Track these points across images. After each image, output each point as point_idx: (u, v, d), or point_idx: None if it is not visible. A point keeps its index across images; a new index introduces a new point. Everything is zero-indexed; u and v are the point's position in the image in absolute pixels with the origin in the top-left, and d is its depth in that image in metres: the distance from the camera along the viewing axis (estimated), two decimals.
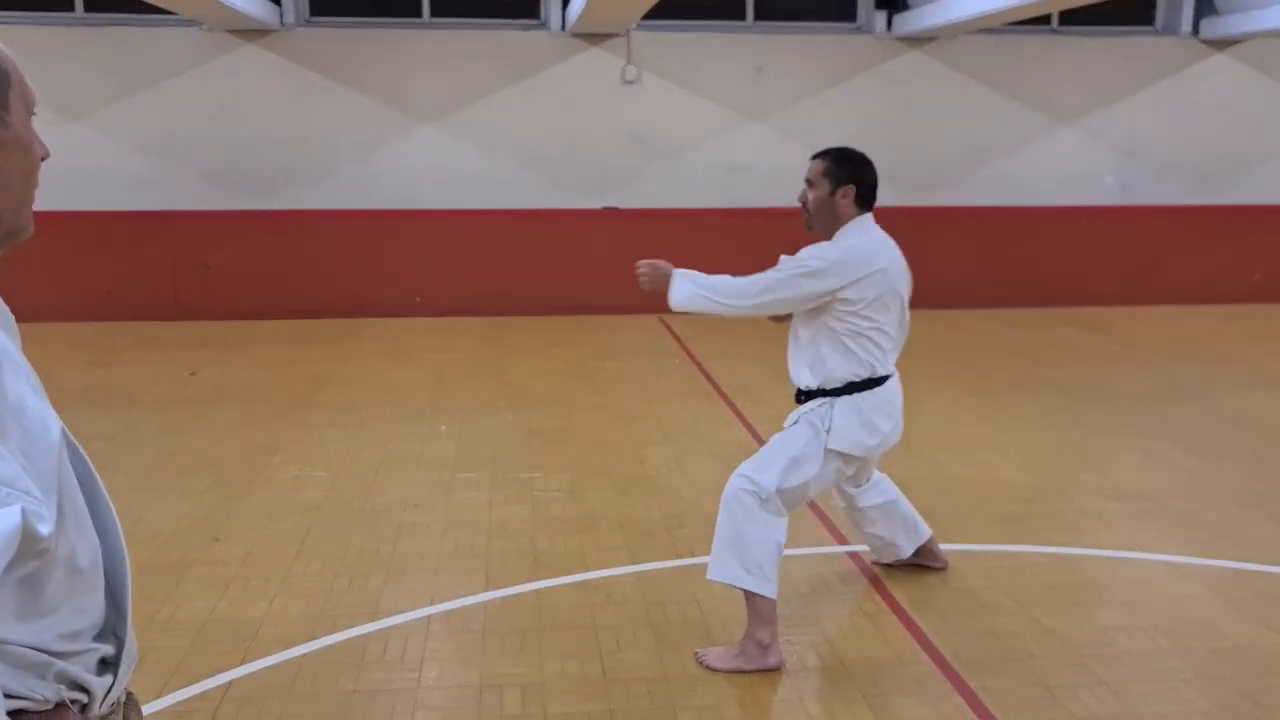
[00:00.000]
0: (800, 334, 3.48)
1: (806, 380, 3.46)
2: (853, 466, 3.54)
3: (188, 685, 3.19)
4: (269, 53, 9.81)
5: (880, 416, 3.47)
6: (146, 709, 3.05)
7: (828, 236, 3.43)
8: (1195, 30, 10.85)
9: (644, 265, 3.44)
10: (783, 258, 3.40)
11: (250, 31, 9.69)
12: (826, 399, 3.42)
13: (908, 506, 3.92)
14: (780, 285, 3.34)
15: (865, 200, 3.42)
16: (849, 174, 3.38)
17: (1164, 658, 3.39)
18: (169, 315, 9.77)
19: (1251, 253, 10.95)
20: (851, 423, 3.40)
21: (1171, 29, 10.94)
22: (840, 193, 3.37)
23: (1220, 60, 10.95)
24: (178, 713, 3.05)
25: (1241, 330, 9.44)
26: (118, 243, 9.73)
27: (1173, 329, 9.49)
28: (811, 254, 3.35)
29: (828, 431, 3.38)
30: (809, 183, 3.42)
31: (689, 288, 3.38)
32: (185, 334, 9.10)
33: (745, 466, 3.38)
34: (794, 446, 3.39)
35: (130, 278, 9.76)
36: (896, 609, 3.74)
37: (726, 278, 3.41)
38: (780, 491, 3.31)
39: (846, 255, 3.33)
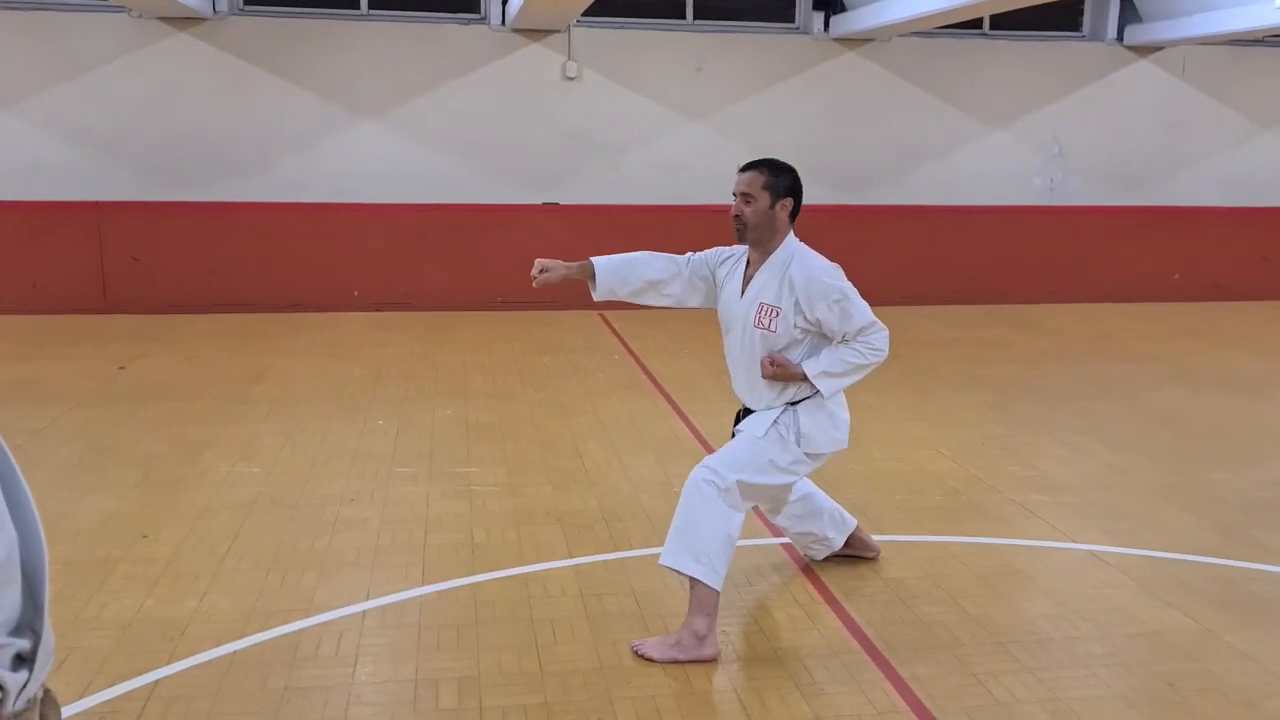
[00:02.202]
0: (756, 358, 3.45)
1: (772, 399, 3.46)
2: (820, 463, 3.57)
3: (112, 685, 3.13)
4: (201, 42, 9.62)
5: (839, 406, 3.53)
6: (69, 710, 2.99)
7: (763, 250, 3.46)
8: (1120, 37, 11.17)
9: (773, 367, 3.38)
10: (821, 301, 3.33)
11: (181, 19, 9.50)
12: (792, 408, 3.45)
13: (827, 498, 3.98)
14: (869, 311, 3.39)
15: (795, 213, 3.46)
16: (787, 186, 3.41)
17: (1085, 644, 3.49)
18: (97, 309, 9.53)
19: (1172, 253, 11.30)
20: (822, 424, 3.46)
21: (1097, 35, 11.25)
22: (779, 205, 3.40)
23: (1143, 66, 11.28)
24: (101, 713, 2.99)
25: (1162, 328, 9.74)
26: (43, 234, 9.46)
27: (1097, 326, 9.75)
28: (839, 281, 3.36)
29: (799, 436, 3.42)
30: (745, 196, 3.39)
31: (834, 383, 3.40)
32: (114, 328, 8.89)
33: (711, 458, 3.42)
34: (764, 450, 3.42)
35: (57, 270, 9.50)
36: (829, 599, 3.80)
37: (857, 356, 3.38)
38: (741, 484, 3.35)
39: (838, 269, 3.42)
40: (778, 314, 3.38)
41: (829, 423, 3.48)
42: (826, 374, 3.39)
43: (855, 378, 3.44)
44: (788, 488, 3.56)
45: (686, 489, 3.37)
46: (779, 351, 3.42)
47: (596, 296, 3.63)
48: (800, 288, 3.35)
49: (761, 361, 3.42)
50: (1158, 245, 11.26)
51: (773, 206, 3.39)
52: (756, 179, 3.39)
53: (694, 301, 3.67)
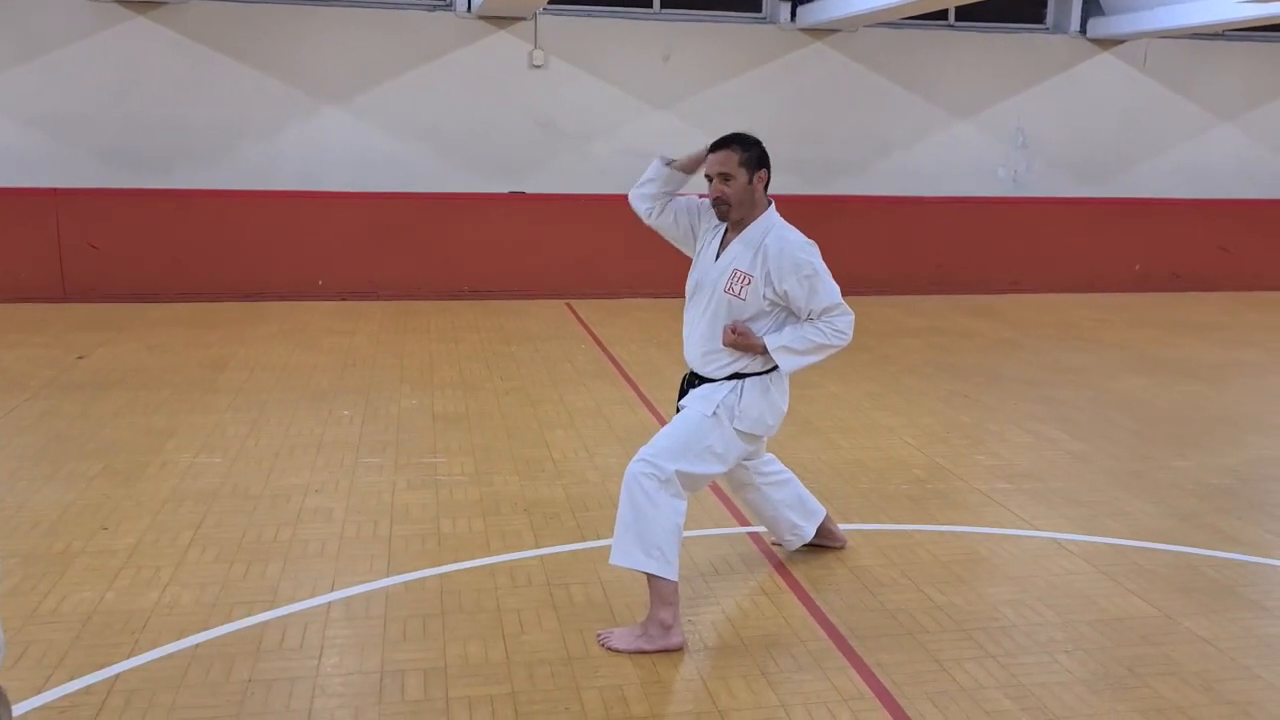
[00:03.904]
0: (719, 324, 3.46)
1: (720, 367, 3.48)
2: (753, 445, 3.60)
3: (72, 679, 3.09)
4: (162, 26, 9.46)
5: (781, 396, 3.55)
6: (27, 704, 2.94)
7: (740, 226, 3.46)
8: (1083, 29, 11.27)
9: (734, 335, 3.40)
10: (792, 274, 3.34)
11: (142, 3, 9.33)
12: (739, 381, 3.47)
13: (800, 485, 4.00)
14: (838, 293, 3.40)
15: (768, 184, 3.47)
16: (759, 158, 3.42)
17: (1047, 630, 3.54)
18: (55, 297, 9.37)
19: (1133, 244, 11.45)
20: (759, 404, 3.46)
21: (1061, 28, 11.35)
22: (756, 178, 3.41)
23: (1106, 59, 11.40)
24: (60, 708, 2.95)
25: (1123, 318, 9.87)
26: (0, 221, 9.29)
27: (1060, 316, 9.87)
28: (812, 257, 3.37)
29: (736, 411, 3.43)
30: (724, 176, 3.38)
31: (794, 360, 3.41)
32: (72, 316, 8.74)
33: (645, 450, 3.40)
34: (697, 431, 3.42)
35: (13, 258, 9.32)
36: (795, 587, 3.82)
37: (820, 335, 3.39)
38: (680, 474, 3.35)
39: (814, 246, 3.44)
40: (750, 282, 3.38)
41: (767, 407, 3.49)
42: (787, 349, 3.39)
43: (815, 358, 3.44)
44: (727, 466, 3.55)
45: (627, 483, 3.34)
46: (744, 321, 3.43)
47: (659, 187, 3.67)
48: (773, 259, 3.36)
49: (724, 329, 3.42)
50: (1119, 236, 11.40)
51: (751, 181, 3.40)
52: (732, 157, 3.39)
53: (667, 227, 3.69)
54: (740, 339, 3.40)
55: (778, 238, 3.40)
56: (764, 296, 3.39)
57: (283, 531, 4.25)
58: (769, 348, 3.40)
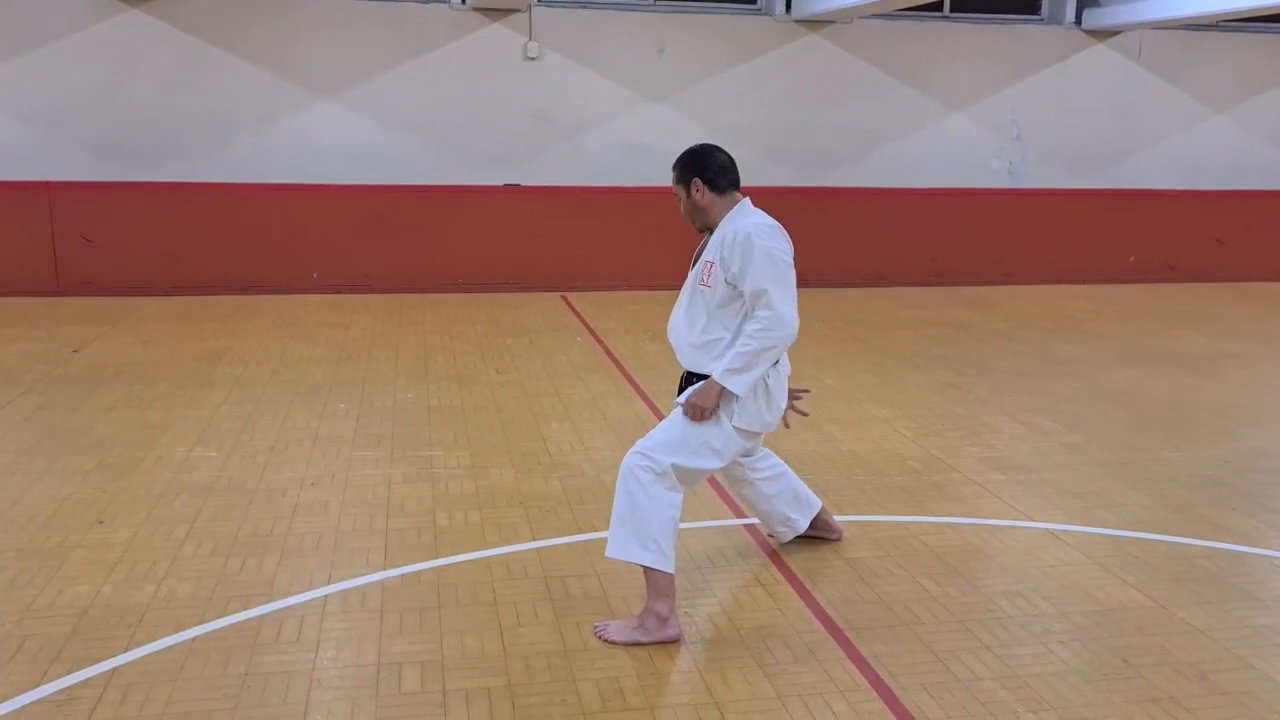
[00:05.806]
0: (715, 320, 3.45)
1: (713, 359, 3.46)
2: (751, 441, 3.61)
3: (69, 673, 3.09)
4: (156, 19, 9.42)
5: (780, 393, 3.55)
6: (24, 698, 2.95)
7: (710, 229, 3.50)
8: (1078, 20, 11.27)
9: (689, 410, 3.37)
10: (738, 251, 3.31)
11: None
12: None
13: (796, 478, 4.01)
14: (788, 285, 3.35)
15: (717, 183, 3.45)
16: (689, 171, 3.46)
17: (1042, 621, 3.55)
18: (49, 291, 9.35)
19: (1127, 235, 11.47)
20: (757, 400, 3.46)
21: (1056, 19, 11.35)
22: (693, 189, 3.46)
23: (1100, 50, 11.41)
24: (58, 702, 2.95)
25: (1117, 309, 9.88)
26: None
27: (1053, 308, 9.88)
28: (761, 237, 3.31)
29: (734, 409, 3.43)
30: (677, 198, 3.53)
31: (742, 379, 3.34)
32: (67, 310, 8.72)
33: (642, 443, 3.41)
34: (701, 430, 3.42)
35: (7, 252, 9.29)
36: (791, 579, 3.83)
37: (751, 342, 3.31)
38: (676, 468, 3.36)
39: (778, 232, 3.40)
40: (712, 268, 3.41)
41: (765, 401, 3.49)
42: (731, 371, 3.34)
43: (761, 367, 3.35)
44: (724, 461, 3.55)
45: (623, 475, 3.36)
46: (715, 309, 3.41)
47: None
48: (727, 242, 3.37)
49: (681, 406, 3.44)
50: (1113, 227, 11.42)
51: (689, 195, 3.48)
52: (673, 182, 3.52)
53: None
54: (698, 403, 3.37)
55: (737, 222, 3.42)
56: (724, 281, 3.38)
57: (278, 525, 4.25)
58: (715, 377, 3.36)
